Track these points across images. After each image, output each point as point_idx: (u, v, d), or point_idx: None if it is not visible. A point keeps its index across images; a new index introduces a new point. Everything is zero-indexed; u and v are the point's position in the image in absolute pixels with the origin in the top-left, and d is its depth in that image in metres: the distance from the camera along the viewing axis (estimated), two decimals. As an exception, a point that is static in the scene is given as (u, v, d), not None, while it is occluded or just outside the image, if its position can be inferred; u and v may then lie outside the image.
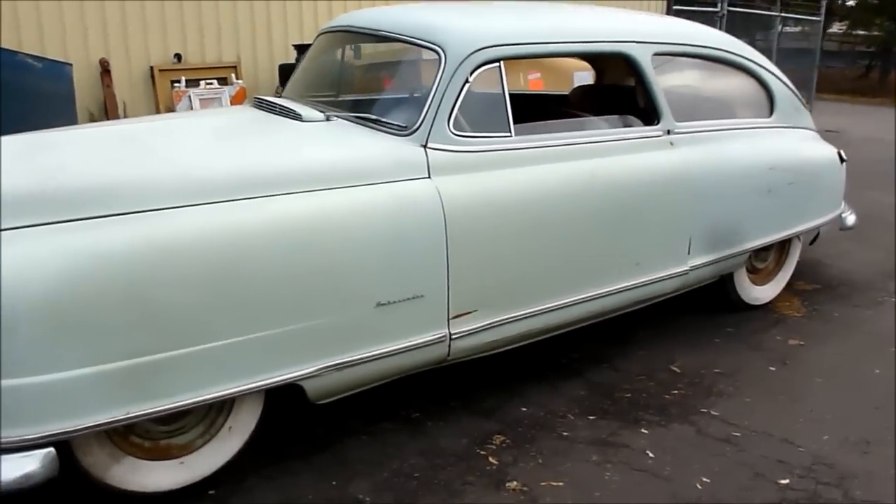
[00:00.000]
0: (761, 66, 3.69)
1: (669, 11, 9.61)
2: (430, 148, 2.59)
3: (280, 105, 2.90)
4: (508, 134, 2.74)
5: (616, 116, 3.14)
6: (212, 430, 2.40)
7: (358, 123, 2.75)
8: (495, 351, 2.85)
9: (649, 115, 3.17)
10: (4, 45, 5.06)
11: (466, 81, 2.66)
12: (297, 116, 2.79)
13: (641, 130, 3.11)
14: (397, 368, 2.57)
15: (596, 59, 4.24)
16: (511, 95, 2.74)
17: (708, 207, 3.27)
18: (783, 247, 3.97)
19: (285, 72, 6.06)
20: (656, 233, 3.12)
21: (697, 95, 3.60)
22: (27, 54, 5.01)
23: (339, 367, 2.38)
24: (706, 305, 3.84)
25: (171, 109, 5.89)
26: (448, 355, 2.65)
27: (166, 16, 5.77)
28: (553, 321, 2.90)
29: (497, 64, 2.72)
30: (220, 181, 2.23)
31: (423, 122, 2.61)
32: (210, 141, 2.62)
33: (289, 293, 2.24)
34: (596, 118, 3.15)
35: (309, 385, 2.37)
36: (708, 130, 3.35)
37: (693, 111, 3.40)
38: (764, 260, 3.94)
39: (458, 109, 2.65)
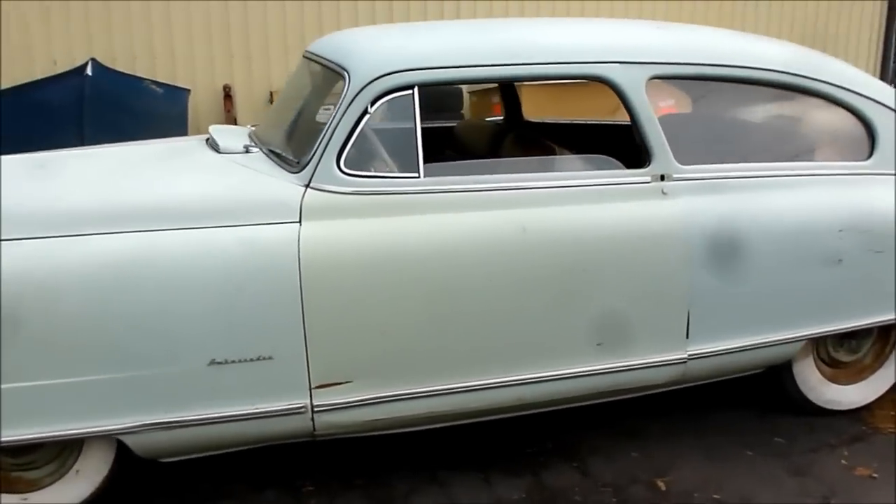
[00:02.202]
0: (856, 92, 2.73)
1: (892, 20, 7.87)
2: (312, 188, 2.25)
3: (211, 135, 2.75)
4: (415, 175, 2.29)
5: (584, 157, 2.50)
6: (62, 470, 2.31)
7: (271, 157, 2.50)
8: (388, 432, 2.40)
9: (640, 154, 2.48)
10: (141, 74, 5.63)
11: (365, 112, 2.27)
12: (216, 147, 2.62)
13: (613, 175, 2.43)
14: (248, 436, 2.26)
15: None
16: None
17: (720, 278, 2.47)
18: (887, 336, 2.91)
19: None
20: (630, 307, 2.41)
21: (748, 130, 2.77)
22: (151, 80, 5.51)
23: (166, 427, 2.14)
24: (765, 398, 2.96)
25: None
26: (314, 430, 2.27)
27: (288, 43, 6.01)
28: (466, 405, 2.36)
29: (409, 92, 2.30)
30: (50, 215, 2.12)
31: (311, 157, 2.28)
32: (108, 172, 2.51)
33: (101, 339, 2.06)
34: (557, 158, 2.55)
35: (132, 441, 2.16)
36: (738, 177, 2.54)
37: (730, 150, 2.62)
38: (854, 351, 2.92)
39: (354, 145, 2.28)
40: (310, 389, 2.22)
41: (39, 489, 2.30)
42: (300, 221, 2.20)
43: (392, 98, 2.29)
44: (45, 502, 2.28)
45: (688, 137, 2.56)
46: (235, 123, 5.96)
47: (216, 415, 2.17)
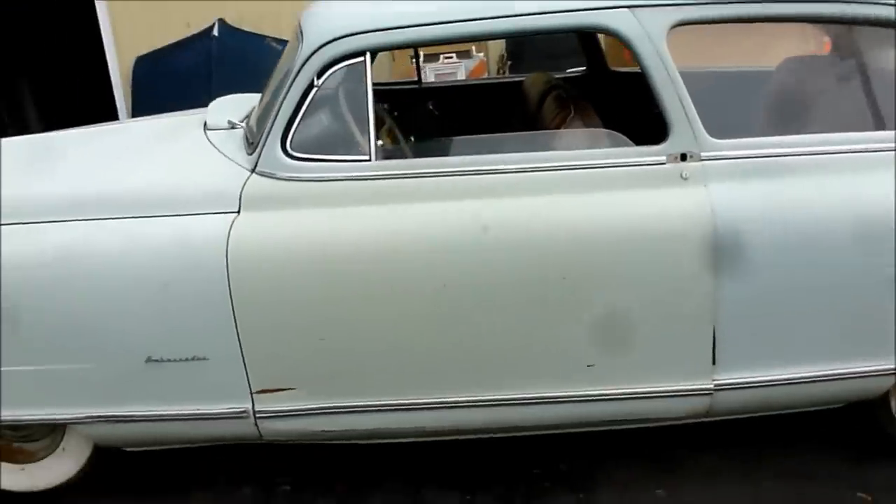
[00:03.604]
0: None
1: None
2: (258, 173, 2.03)
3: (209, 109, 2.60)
4: (366, 157, 1.97)
5: (583, 131, 1.98)
6: (52, 445, 2.39)
7: (247, 137, 2.30)
8: (344, 442, 2.16)
9: (658, 127, 1.91)
10: (267, 33, 5.71)
11: (312, 86, 1.97)
12: (204, 125, 2.47)
13: (614, 154, 1.89)
14: (197, 436, 2.15)
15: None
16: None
17: (759, 290, 1.86)
18: None
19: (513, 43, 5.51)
20: (628, 323, 1.91)
21: (819, 88, 2.03)
22: (273, 38, 5.56)
23: (111, 420, 2.10)
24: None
25: (407, 86, 5.89)
26: (260, 435, 2.11)
27: None
28: (425, 423, 2.04)
29: (360, 59, 1.95)
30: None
31: (259, 139, 2.05)
32: (80, 159, 2.42)
33: (43, 330, 2.04)
34: (548, 133, 2.04)
35: (85, 431, 2.16)
36: (792, 154, 1.87)
37: (790, 118, 1.95)
38: None
39: (301, 124, 2.00)
40: (251, 394, 2.05)
41: (36, 461, 2.39)
42: (239, 212, 2.00)
43: (340, 68, 1.97)
44: (41, 474, 2.40)
45: (730, 101, 1.94)
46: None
47: (158, 413, 2.08)
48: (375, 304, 1.95)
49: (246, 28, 5.71)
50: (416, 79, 3.53)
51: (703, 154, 1.88)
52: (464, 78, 5.82)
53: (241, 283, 1.95)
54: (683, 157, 1.88)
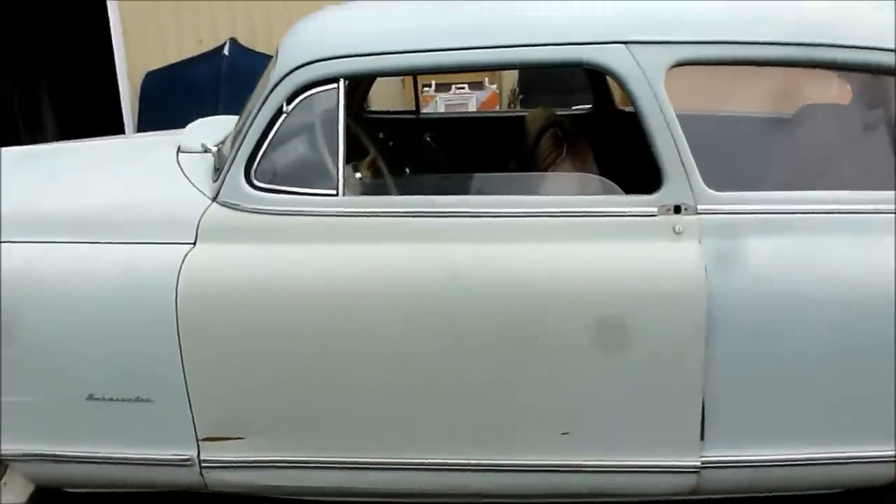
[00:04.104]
0: None
1: None
2: (219, 203, 1.89)
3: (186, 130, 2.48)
4: (333, 192, 1.82)
5: (572, 175, 1.81)
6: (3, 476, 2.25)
7: (215, 163, 2.17)
8: (296, 498, 1.98)
9: (651, 174, 1.74)
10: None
11: (280, 112, 1.84)
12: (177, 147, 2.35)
13: (600, 203, 1.73)
14: (136, 481, 1.99)
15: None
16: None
17: (760, 359, 1.67)
18: None
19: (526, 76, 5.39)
20: (604, 389, 1.72)
21: (835, 139, 1.86)
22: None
23: (49, 459, 1.95)
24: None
25: (417, 113, 5.78)
26: (205, 485, 1.94)
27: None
28: (385, 485, 1.86)
29: (333, 86, 1.82)
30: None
31: (225, 167, 1.92)
32: (63, 174, 2.29)
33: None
34: (536, 176, 1.88)
35: (23, 469, 2.01)
36: (802, 212, 1.70)
37: (802, 171, 1.78)
38: None
39: (267, 153, 1.86)
40: (197, 441, 1.89)
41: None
42: (195, 243, 1.86)
43: (312, 94, 1.84)
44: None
45: (735, 150, 1.78)
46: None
47: (99, 454, 1.92)
48: (332, 352, 1.79)
49: (258, 49, 5.64)
50: (416, 108, 3.40)
51: (699, 207, 1.71)
52: (474, 110, 5.71)
53: (189, 321, 1.80)
54: (677, 210, 1.71)
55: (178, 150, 2.30)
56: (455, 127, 3.29)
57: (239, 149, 1.87)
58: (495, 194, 1.81)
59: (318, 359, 1.80)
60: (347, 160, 2.28)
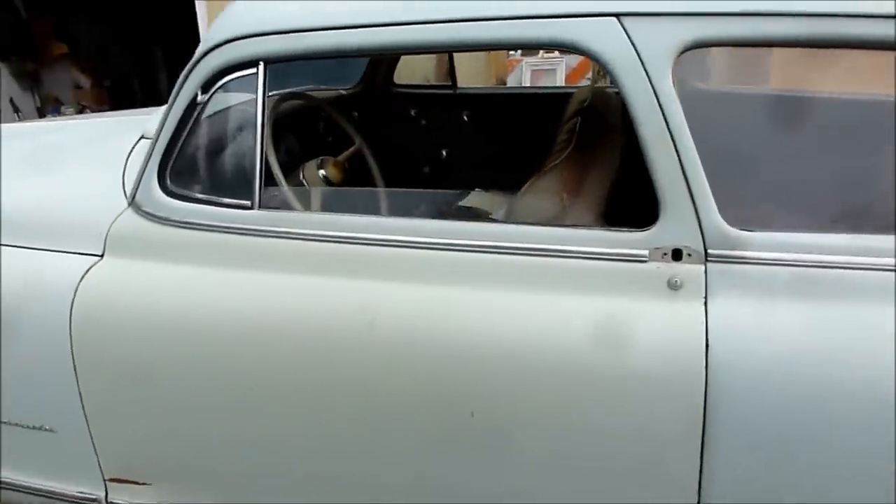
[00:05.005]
0: None
1: None
2: (133, 209, 1.60)
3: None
4: (247, 204, 1.47)
5: (539, 194, 1.34)
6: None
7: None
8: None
9: (648, 203, 1.25)
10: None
11: (193, 102, 1.50)
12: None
13: (570, 238, 1.25)
14: (54, 512, 1.79)
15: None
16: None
17: (772, 464, 1.16)
18: None
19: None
20: (566, 484, 1.28)
21: None
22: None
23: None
24: None
25: (501, 80, 5.28)
26: (117, 527, 1.70)
27: None
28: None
29: (252, 71, 1.45)
30: None
31: (141, 166, 1.61)
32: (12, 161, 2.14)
33: None
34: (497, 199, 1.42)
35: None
36: (860, 266, 1.15)
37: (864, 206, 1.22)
38: None
39: (182, 152, 1.54)
40: (104, 481, 1.65)
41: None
42: (102, 255, 1.58)
43: (229, 81, 1.48)
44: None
45: (784, 158, 1.25)
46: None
47: (10, 481, 1.74)
48: (232, 395, 1.46)
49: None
50: (452, 82, 2.97)
51: (710, 252, 1.20)
52: (563, 79, 5.14)
53: (84, 347, 1.53)
54: (677, 255, 1.22)
55: (142, 136, 2.04)
56: (498, 104, 2.84)
57: (154, 146, 1.56)
58: (445, 216, 1.40)
59: (217, 402, 1.48)
60: (317, 153, 1.94)
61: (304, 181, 1.82)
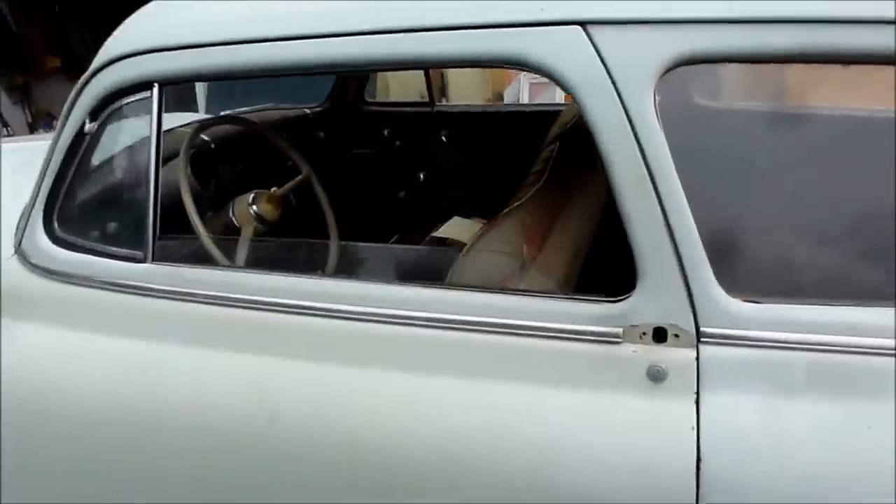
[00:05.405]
0: None
1: None
2: (18, 256, 1.34)
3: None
4: (139, 255, 1.20)
5: (484, 250, 1.06)
6: None
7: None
8: None
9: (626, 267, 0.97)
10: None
11: (80, 134, 1.24)
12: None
13: (520, 311, 0.97)
14: None
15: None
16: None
17: None
18: None
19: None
20: None
21: None
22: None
23: None
24: None
25: (499, 94, 5.01)
26: None
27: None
28: None
29: (146, 94, 1.19)
30: None
31: (27, 206, 1.36)
32: None
33: None
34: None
35: None
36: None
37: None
38: None
39: (70, 192, 1.28)
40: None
41: None
42: (-19, 313, 1.32)
43: (119, 107, 1.22)
44: None
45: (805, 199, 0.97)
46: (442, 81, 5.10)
47: None
48: (116, 485, 1.20)
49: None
50: (437, 99, 2.72)
51: (704, 330, 0.92)
52: (564, 95, 4.86)
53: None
54: (660, 336, 0.93)
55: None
56: (480, 122, 2.57)
57: (40, 182, 1.31)
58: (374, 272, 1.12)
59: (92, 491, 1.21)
60: (257, 184, 1.68)
61: (233, 220, 1.55)
